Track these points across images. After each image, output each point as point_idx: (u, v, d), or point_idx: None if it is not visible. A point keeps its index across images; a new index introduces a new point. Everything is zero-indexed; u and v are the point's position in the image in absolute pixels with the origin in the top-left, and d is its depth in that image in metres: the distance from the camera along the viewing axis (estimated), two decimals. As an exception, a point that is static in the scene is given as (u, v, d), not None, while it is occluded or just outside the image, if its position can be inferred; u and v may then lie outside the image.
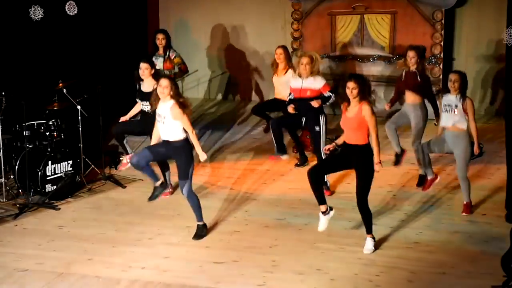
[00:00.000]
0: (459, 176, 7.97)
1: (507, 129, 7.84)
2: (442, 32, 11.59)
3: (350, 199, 8.20)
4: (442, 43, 11.61)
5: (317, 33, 12.22)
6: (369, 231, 7.10)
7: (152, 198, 7.77)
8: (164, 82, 7.33)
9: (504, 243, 6.55)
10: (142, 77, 8.52)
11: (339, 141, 7.25)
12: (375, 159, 6.93)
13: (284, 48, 9.97)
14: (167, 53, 9.96)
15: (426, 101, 8.76)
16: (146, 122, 8.39)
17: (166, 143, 7.47)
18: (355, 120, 6.92)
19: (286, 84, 9.34)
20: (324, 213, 7.18)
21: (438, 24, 11.59)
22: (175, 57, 10.07)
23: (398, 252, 7.09)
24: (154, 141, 7.66)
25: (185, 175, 7.35)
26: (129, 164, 8.30)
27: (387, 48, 11.90)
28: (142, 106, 8.62)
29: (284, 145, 9.25)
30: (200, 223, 7.56)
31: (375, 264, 6.84)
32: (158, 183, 7.72)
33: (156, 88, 7.40)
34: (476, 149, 7.93)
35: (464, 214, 7.98)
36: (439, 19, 11.57)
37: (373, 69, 11.97)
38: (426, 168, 8.41)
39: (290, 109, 8.81)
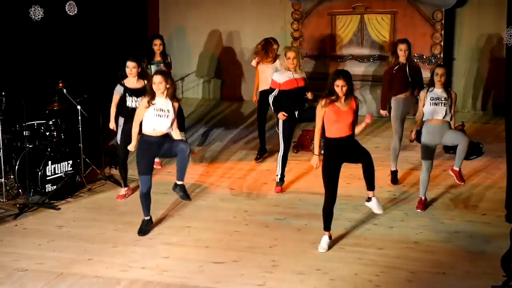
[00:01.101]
0: (464, 144, 7.95)
1: (507, 129, 7.84)
2: (442, 32, 11.59)
3: (350, 200, 8.22)
4: (442, 43, 11.61)
5: (317, 33, 12.21)
6: (373, 187, 7.20)
7: (142, 232, 7.65)
8: (158, 78, 7.36)
9: (504, 243, 6.53)
10: (129, 75, 8.45)
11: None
12: (358, 130, 7.19)
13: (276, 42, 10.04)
14: (167, 59, 9.93)
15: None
16: None
17: (160, 140, 7.48)
18: (351, 113, 7.03)
19: (274, 71, 9.26)
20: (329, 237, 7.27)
21: (438, 24, 11.58)
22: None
23: (398, 252, 7.09)
24: (134, 138, 7.60)
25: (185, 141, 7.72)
26: (126, 195, 8.73)
27: (387, 48, 11.89)
28: (131, 103, 8.49)
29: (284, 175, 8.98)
30: (181, 182, 7.56)
31: (375, 264, 6.83)
32: (147, 218, 7.72)
33: (148, 85, 7.48)
34: None
35: (459, 183, 8.17)
36: (439, 19, 11.57)
37: (372, 69, 11.97)
38: (422, 190, 8.22)
39: (282, 116, 8.57)
